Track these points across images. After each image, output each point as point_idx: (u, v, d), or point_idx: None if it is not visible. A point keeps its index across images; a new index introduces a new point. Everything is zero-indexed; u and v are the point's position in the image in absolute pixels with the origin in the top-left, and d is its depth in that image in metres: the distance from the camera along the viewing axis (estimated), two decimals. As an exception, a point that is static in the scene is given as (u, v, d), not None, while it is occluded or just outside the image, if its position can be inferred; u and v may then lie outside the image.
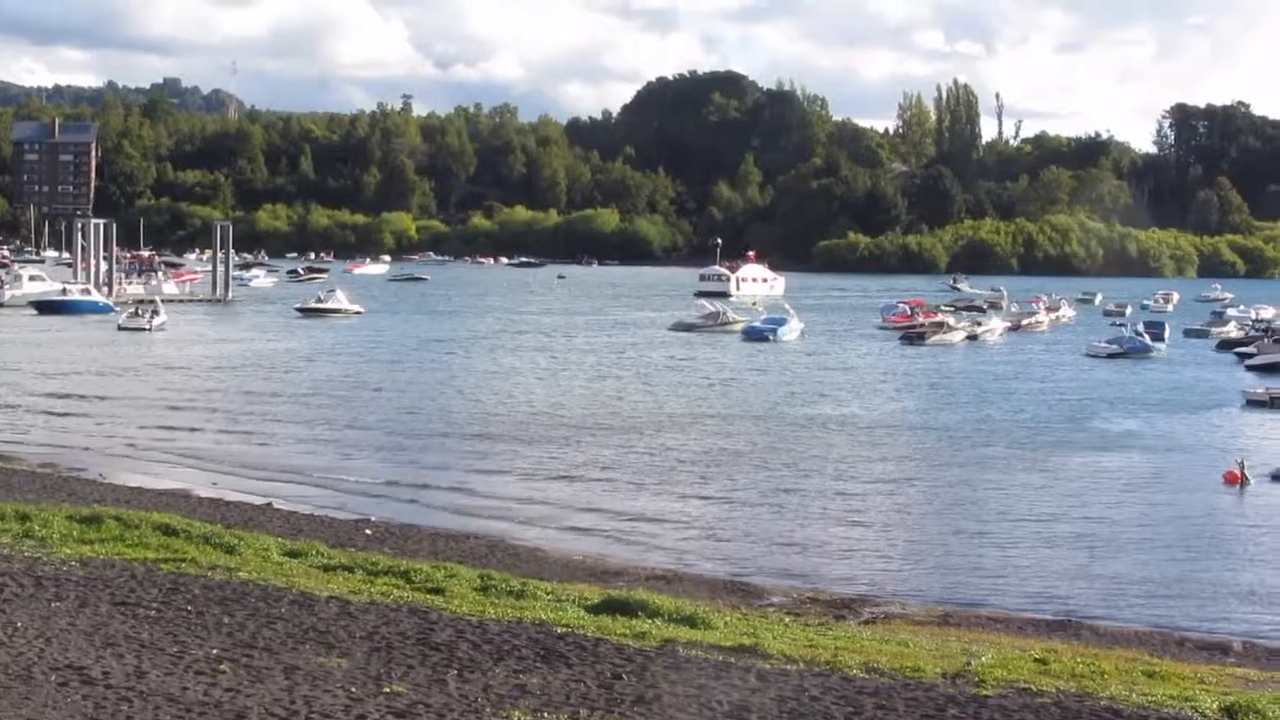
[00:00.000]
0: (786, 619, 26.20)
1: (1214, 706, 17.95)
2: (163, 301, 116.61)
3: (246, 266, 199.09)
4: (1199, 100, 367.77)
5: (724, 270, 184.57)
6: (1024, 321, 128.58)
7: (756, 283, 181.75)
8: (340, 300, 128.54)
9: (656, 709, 15.56)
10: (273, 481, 45.17)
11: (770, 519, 41.37)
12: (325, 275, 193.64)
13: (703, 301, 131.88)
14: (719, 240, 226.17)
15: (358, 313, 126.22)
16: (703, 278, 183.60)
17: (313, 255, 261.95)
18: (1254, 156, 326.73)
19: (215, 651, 16.96)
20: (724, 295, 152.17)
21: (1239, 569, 36.69)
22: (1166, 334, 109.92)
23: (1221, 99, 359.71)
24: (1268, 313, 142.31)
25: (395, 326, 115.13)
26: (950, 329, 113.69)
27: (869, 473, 49.81)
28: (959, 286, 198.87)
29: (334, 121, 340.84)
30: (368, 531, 34.73)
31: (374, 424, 59.55)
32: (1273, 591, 34.22)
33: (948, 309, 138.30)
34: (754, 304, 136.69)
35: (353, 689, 15.43)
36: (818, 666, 18.66)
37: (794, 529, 39.93)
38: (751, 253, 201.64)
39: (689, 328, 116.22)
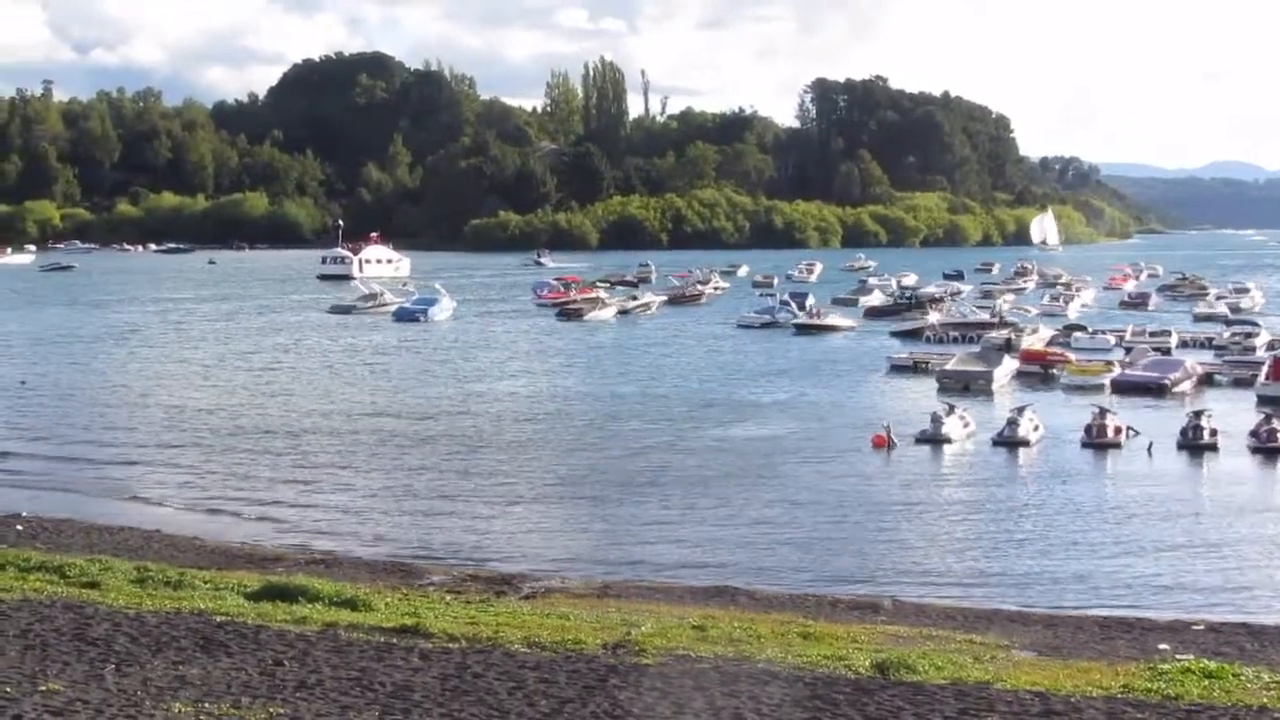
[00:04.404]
0: (447, 598, 26.30)
1: (866, 663, 18.62)
2: None
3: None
4: (839, 75, 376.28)
5: (346, 252, 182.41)
6: (678, 294, 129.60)
7: (380, 264, 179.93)
8: None
9: (319, 694, 15.56)
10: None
11: (429, 500, 41.47)
12: None
13: (356, 282, 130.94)
14: (341, 222, 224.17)
15: None
16: (324, 260, 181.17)
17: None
18: (892, 129, 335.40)
19: None
20: (346, 278, 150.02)
21: (888, 530, 37.87)
22: (810, 303, 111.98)
23: (861, 73, 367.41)
24: (909, 280, 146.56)
25: (42, 320, 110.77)
26: (605, 304, 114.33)
27: (526, 451, 50.07)
28: (542, 261, 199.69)
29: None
30: (19, 528, 33.90)
31: (22, 420, 57.67)
32: (920, 550, 35.43)
33: (603, 284, 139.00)
34: (405, 285, 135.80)
35: (7, 689, 15.10)
36: (480, 643, 18.84)
37: (452, 509, 40.10)
38: (375, 234, 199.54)
39: (346, 310, 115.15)
